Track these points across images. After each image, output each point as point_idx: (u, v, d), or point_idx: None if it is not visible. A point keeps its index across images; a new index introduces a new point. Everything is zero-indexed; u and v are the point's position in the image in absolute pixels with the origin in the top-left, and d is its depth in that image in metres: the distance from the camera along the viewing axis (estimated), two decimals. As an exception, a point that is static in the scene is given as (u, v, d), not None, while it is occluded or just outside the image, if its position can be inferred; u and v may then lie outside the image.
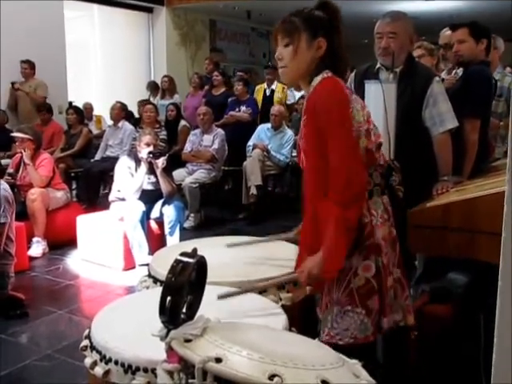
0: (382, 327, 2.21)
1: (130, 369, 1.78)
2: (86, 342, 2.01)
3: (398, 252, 2.28)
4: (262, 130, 7.87)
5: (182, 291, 1.42)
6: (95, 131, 9.11)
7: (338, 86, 2.15)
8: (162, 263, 2.47)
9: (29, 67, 8.51)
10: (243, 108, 8.29)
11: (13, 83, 8.47)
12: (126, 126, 8.22)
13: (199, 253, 1.51)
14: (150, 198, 5.52)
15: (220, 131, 7.49)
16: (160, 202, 5.56)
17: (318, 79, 2.19)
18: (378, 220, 2.19)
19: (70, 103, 9.30)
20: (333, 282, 2.18)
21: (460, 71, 3.87)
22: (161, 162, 5.43)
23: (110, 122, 8.48)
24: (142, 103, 8.84)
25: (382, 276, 2.18)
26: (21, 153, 5.98)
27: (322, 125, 2.10)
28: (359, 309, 2.15)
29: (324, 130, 2.10)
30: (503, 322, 1.18)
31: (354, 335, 2.15)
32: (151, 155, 5.44)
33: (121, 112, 8.21)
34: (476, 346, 2.62)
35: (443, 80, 3.79)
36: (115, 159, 7.28)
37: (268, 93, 9.11)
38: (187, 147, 7.49)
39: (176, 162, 7.15)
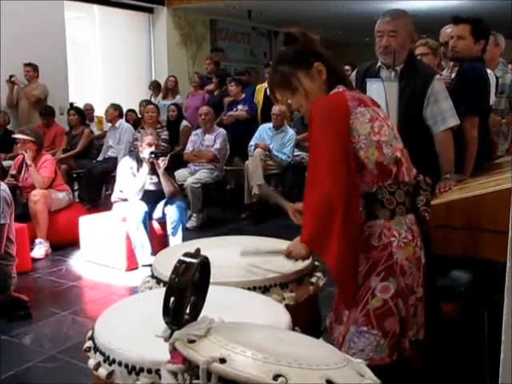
0: (404, 349, 2.18)
1: (134, 370, 1.77)
2: (89, 343, 2.01)
3: (422, 271, 2.22)
4: (264, 130, 7.88)
5: (185, 292, 1.41)
6: (96, 132, 9.14)
7: (337, 99, 2.15)
8: (165, 264, 2.47)
9: (32, 70, 8.52)
10: (239, 107, 8.30)
11: (11, 76, 8.47)
12: (123, 124, 8.29)
13: (202, 253, 1.51)
14: (152, 198, 5.51)
15: (222, 131, 7.49)
16: (162, 203, 5.56)
17: (331, 93, 2.21)
18: (401, 241, 2.14)
19: (72, 104, 9.31)
20: (352, 301, 2.17)
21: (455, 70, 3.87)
22: (161, 162, 5.43)
23: (109, 125, 8.52)
24: (144, 104, 8.86)
25: (404, 297, 2.15)
26: (23, 154, 5.98)
27: (312, 132, 2.16)
28: (375, 330, 2.12)
29: (312, 136, 2.16)
30: (510, 319, 1.18)
31: (369, 356, 2.11)
32: (153, 155, 5.43)
33: (114, 112, 8.24)
34: (480, 343, 2.61)
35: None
36: (117, 159, 7.31)
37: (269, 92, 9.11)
38: (189, 147, 7.49)
39: (178, 162, 7.16)
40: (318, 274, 2.65)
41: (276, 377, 1.27)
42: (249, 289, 2.39)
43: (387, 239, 2.12)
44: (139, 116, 9.20)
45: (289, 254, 2.37)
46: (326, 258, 2.08)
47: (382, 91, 2.82)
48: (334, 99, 2.17)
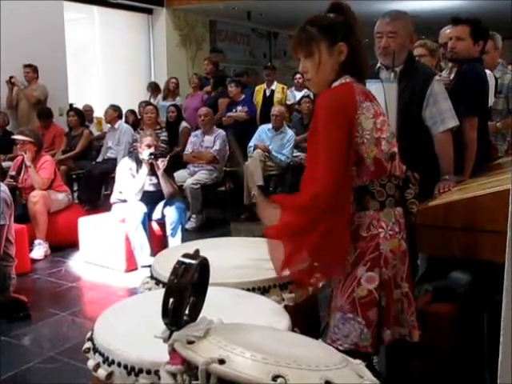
0: (383, 339, 2.19)
1: (133, 371, 1.77)
2: (88, 344, 2.01)
3: (407, 266, 2.24)
4: (263, 131, 7.88)
5: (184, 293, 1.41)
6: (96, 133, 9.13)
7: (346, 92, 2.14)
8: (165, 265, 2.47)
9: (31, 71, 8.51)
10: (239, 108, 8.31)
11: (10, 77, 8.46)
12: (122, 125, 8.30)
13: (201, 254, 1.51)
14: (151, 199, 5.51)
15: (221, 132, 7.49)
16: (161, 204, 5.56)
17: (335, 84, 2.19)
18: (388, 232, 2.16)
19: (71, 105, 9.31)
20: (338, 288, 2.21)
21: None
22: (161, 163, 5.43)
23: (108, 126, 8.53)
24: (143, 104, 8.86)
25: (386, 289, 2.17)
26: (22, 155, 5.98)
27: (316, 126, 2.14)
28: (360, 318, 2.15)
29: (317, 130, 2.14)
30: (509, 321, 1.18)
31: (353, 342, 2.14)
32: (152, 156, 5.43)
33: (114, 113, 8.25)
34: (480, 344, 2.61)
35: None
36: (116, 160, 7.31)
37: (268, 93, 9.13)
38: (188, 148, 7.50)
39: (177, 163, 7.16)
40: (318, 275, 2.64)
41: (275, 377, 1.26)
42: (248, 290, 2.38)
43: (375, 230, 2.16)
44: (138, 117, 9.20)
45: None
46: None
47: (381, 92, 2.82)
48: (343, 92, 2.16)
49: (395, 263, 2.18)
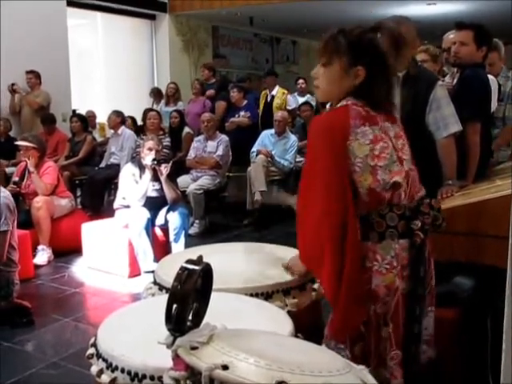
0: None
1: (137, 376, 1.77)
2: (92, 350, 2.01)
3: (401, 304, 2.08)
4: (266, 136, 7.88)
5: (188, 299, 1.42)
6: (99, 139, 9.15)
7: (339, 116, 2.02)
8: (168, 270, 2.47)
9: (34, 77, 8.52)
10: (242, 113, 8.33)
11: (12, 84, 8.47)
12: (126, 131, 8.29)
13: (205, 259, 1.51)
14: (154, 204, 5.52)
15: (224, 137, 7.50)
16: (165, 209, 5.56)
17: (338, 106, 2.09)
18: (383, 266, 2.02)
19: (74, 111, 9.33)
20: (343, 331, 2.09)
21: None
22: (164, 169, 5.43)
23: (111, 131, 8.54)
24: (146, 111, 8.87)
25: (371, 324, 2.05)
26: (25, 161, 5.99)
27: (308, 152, 2.14)
28: (347, 351, 2.07)
29: (308, 156, 2.13)
30: (511, 324, 1.18)
31: None
32: (155, 162, 5.44)
33: (117, 119, 8.26)
34: (483, 349, 2.61)
35: None
36: (119, 166, 7.32)
37: (269, 98, 9.13)
38: (191, 154, 7.50)
39: (180, 168, 7.17)
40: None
41: (278, 383, 1.27)
42: (251, 295, 2.39)
43: (369, 263, 2.03)
44: (139, 123, 9.21)
45: (287, 268, 2.43)
46: (322, 279, 2.10)
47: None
48: (335, 116, 2.05)
49: (388, 300, 2.04)
